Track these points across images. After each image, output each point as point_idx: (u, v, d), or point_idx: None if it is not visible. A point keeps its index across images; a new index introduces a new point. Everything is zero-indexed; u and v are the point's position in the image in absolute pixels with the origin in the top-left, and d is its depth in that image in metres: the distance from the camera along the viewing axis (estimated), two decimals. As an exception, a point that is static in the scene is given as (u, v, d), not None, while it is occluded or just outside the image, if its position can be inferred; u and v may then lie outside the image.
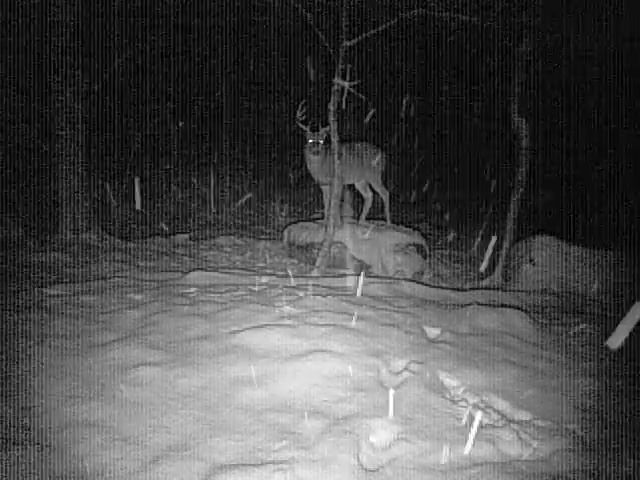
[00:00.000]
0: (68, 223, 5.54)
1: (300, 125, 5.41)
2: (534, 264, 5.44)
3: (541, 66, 6.42)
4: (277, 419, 2.39)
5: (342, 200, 5.98)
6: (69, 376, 2.65)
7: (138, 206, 6.59)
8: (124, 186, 7.98)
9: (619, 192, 8.38)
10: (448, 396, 2.68)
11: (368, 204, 6.13)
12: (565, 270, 5.32)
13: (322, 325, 3.26)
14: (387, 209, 6.12)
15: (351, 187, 6.44)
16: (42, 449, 2.10)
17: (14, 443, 2.11)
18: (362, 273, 4.24)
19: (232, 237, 6.72)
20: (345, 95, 4.92)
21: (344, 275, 4.91)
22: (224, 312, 3.46)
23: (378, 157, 5.88)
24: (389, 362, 2.94)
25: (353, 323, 3.34)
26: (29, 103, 6.50)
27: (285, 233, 6.27)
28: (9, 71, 6.26)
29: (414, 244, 5.82)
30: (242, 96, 10.13)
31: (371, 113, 7.37)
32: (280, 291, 4.02)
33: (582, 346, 3.49)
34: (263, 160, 10.27)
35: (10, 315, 3.29)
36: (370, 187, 6.09)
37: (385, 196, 6.00)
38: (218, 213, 8.29)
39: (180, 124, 8.53)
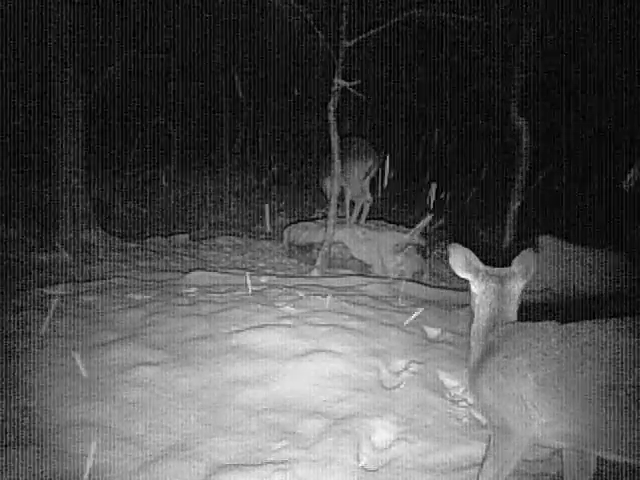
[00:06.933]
0: (68, 223, 5.53)
1: None
2: (534, 264, 5.43)
3: (541, 66, 6.41)
4: (277, 419, 2.39)
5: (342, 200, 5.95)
6: (69, 376, 2.65)
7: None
8: (124, 185, 7.97)
9: (618, 192, 8.37)
10: (448, 396, 2.68)
11: (367, 204, 6.09)
12: (565, 270, 5.32)
13: (322, 325, 3.25)
14: (365, 214, 6.01)
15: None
16: (42, 449, 2.10)
17: (14, 443, 2.11)
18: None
19: (232, 237, 6.72)
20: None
21: (344, 275, 4.91)
22: (224, 312, 3.46)
23: (371, 161, 5.77)
24: (389, 362, 2.93)
25: (353, 323, 3.34)
26: (29, 103, 6.49)
27: (285, 233, 6.26)
28: (9, 71, 6.26)
29: (414, 244, 5.82)
30: (242, 95, 10.12)
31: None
32: (280, 291, 4.02)
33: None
34: (264, 160, 10.27)
35: (10, 315, 3.28)
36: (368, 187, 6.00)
37: (368, 203, 5.94)
38: (218, 213, 8.28)
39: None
